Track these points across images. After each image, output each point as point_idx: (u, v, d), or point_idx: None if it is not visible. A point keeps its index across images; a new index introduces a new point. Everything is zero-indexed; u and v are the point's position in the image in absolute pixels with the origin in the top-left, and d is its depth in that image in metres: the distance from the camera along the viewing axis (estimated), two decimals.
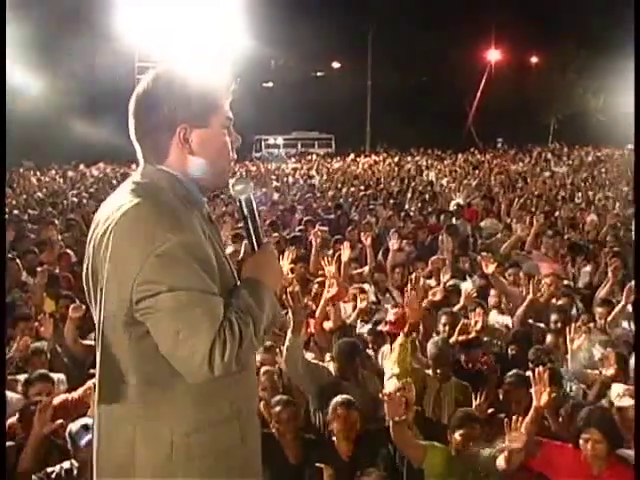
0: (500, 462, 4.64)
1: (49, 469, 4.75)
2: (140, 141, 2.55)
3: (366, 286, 8.69)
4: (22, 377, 5.88)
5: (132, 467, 2.42)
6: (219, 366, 2.25)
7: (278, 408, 5.26)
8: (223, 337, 2.26)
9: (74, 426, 4.83)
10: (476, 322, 6.86)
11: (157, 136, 2.50)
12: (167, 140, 2.50)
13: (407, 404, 4.96)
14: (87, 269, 2.53)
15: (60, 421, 4.97)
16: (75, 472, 4.72)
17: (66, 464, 4.79)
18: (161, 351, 2.31)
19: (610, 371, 5.82)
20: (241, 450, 2.55)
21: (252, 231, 2.63)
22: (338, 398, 5.26)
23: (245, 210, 2.63)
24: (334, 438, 5.22)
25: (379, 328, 7.20)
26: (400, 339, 5.90)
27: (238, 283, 2.51)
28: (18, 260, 9.27)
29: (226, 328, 2.27)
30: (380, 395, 5.08)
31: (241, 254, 7.06)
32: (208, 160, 2.53)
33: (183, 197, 2.47)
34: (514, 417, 4.60)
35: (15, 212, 14.69)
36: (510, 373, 5.95)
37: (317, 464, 5.01)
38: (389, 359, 6.39)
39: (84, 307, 6.36)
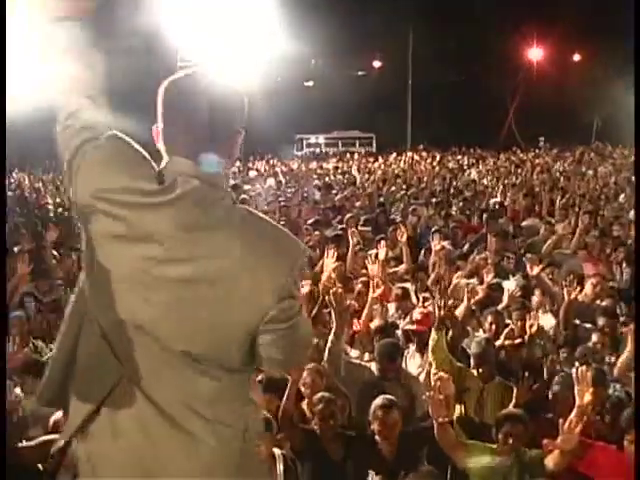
0: (548, 463, 4.62)
1: None
2: (219, 143, 2.24)
3: (408, 285, 8.69)
4: None
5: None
6: None
7: (320, 405, 5.31)
8: None
9: None
10: (531, 325, 6.78)
11: (237, 139, 2.29)
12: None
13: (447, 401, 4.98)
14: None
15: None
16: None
17: None
18: (269, 356, 2.20)
19: None
20: None
21: None
22: (378, 400, 5.28)
23: None
24: (377, 437, 5.25)
25: (406, 327, 7.13)
26: (433, 334, 5.93)
27: None
28: None
29: None
30: (423, 396, 5.11)
31: None
32: None
33: None
34: (569, 418, 4.56)
35: None
36: (559, 377, 5.82)
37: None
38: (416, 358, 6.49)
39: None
